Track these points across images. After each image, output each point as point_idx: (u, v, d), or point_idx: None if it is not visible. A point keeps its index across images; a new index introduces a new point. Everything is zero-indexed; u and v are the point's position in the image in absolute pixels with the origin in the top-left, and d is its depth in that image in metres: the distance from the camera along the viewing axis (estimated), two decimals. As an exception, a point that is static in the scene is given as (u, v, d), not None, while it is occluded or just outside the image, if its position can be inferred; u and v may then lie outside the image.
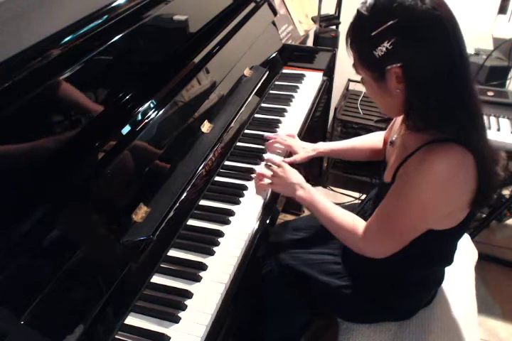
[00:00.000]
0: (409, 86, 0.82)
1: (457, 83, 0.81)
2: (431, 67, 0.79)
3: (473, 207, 0.89)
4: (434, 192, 0.83)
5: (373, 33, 0.78)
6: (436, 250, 1.01)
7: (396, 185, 0.90)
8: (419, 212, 0.86)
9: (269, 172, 1.16)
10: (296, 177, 1.12)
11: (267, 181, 1.14)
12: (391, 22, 0.76)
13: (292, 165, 1.29)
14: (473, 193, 0.85)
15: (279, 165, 1.16)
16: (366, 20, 0.81)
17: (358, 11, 0.82)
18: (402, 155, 0.91)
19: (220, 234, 1.04)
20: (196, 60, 1.23)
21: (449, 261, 1.06)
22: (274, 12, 1.70)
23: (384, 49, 0.78)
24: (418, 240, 0.93)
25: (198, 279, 0.94)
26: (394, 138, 1.03)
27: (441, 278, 1.14)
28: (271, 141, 1.31)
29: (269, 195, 1.17)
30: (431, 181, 0.82)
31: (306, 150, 1.29)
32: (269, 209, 1.15)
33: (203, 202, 1.13)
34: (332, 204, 1.06)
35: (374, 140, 1.22)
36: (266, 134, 1.34)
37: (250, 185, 1.18)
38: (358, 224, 0.99)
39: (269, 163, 1.21)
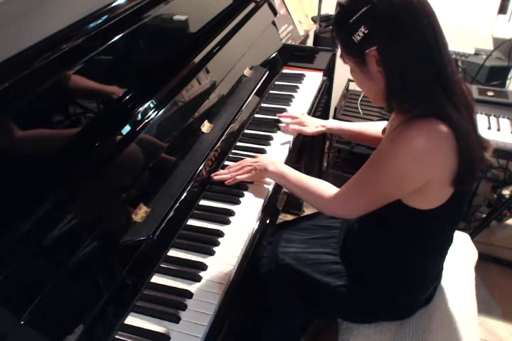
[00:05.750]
0: (387, 68, 0.86)
1: (433, 66, 0.85)
2: (404, 49, 0.84)
3: (455, 186, 0.90)
4: (409, 161, 0.86)
5: (350, 20, 0.84)
6: (427, 237, 1.01)
7: (373, 154, 0.94)
8: (392, 178, 0.90)
9: (236, 170, 1.18)
10: (265, 157, 1.20)
11: (241, 176, 1.16)
12: (365, 8, 0.82)
13: (293, 163, 1.30)
14: (453, 170, 0.88)
15: (242, 162, 1.20)
16: (345, 9, 0.87)
17: (338, 2, 0.89)
18: (387, 135, 0.95)
19: (220, 234, 1.04)
20: (196, 60, 1.23)
21: (443, 253, 1.07)
22: (274, 12, 1.70)
23: (361, 33, 0.84)
24: (408, 224, 0.98)
25: (198, 279, 0.94)
26: (385, 126, 1.08)
27: (438, 274, 1.14)
28: (284, 114, 1.40)
29: (269, 195, 1.17)
30: (407, 150, 0.85)
31: (315, 125, 1.36)
32: (269, 209, 1.15)
33: (203, 202, 1.13)
34: (303, 174, 1.12)
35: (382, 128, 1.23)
36: (279, 115, 1.43)
37: (250, 185, 1.18)
38: (330, 186, 1.06)
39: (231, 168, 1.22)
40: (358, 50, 0.87)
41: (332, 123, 1.37)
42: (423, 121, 0.85)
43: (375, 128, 1.28)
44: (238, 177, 1.15)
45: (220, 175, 1.18)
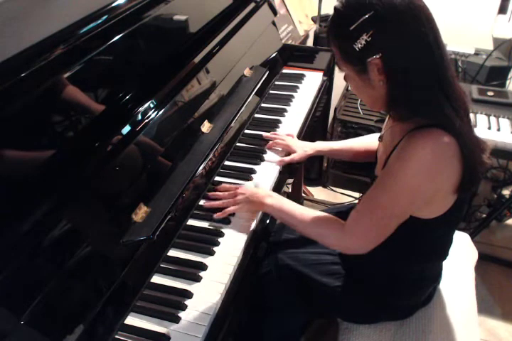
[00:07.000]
0: (390, 76, 0.84)
1: (436, 71, 0.84)
2: (409, 56, 0.82)
3: (459, 193, 0.90)
4: (419, 173, 0.84)
5: (351, 27, 0.81)
6: (429, 242, 1.01)
7: (381, 175, 0.92)
8: (404, 197, 0.87)
9: (229, 198, 1.09)
10: (261, 189, 1.11)
11: (231, 207, 1.07)
12: (368, 15, 0.79)
13: (291, 164, 1.30)
14: (458, 178, 0.87)
15: (235, 188, 1.11)
16: (344, 16, 0.84)
17: (335, 8, 0.86)
18: (389, 146, 0.93)
19: (220, 234, 1.04)
20: (196, 60, 1.23)
21: (444, 255, 1.07)
22: (274, 12, 1.70)
23: (363, 41, 0.81)
24: (409, 232, 0.95)
25: (198, 279, 0.94)
26: (382, 133, 1.05)
27: (437, 274, 1.14)
28: (270, 142, 1.32)
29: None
30: (415, 166, 0.84)
31: (304, 148, 1.30)
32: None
33: (202, 202, 1.13)
34: (305, 207, 1.05)
35: (371, 141, 1.22)
36: (265, 134, 1.34)
37: (250, 185, 1.18)
38: (337, 221, 0.98)
39: (222, 190, 1.13)
40: (358, 58, 0.84)
41: (320, 145, 1.32)
42: (427, 132, 0.84)
43: (363, 142, 1.27)
44: (229, 208, 1.06)
45: (213, 196, 1.11)
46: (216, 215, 1.07)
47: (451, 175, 0.87)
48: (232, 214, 1.09)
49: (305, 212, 1.02)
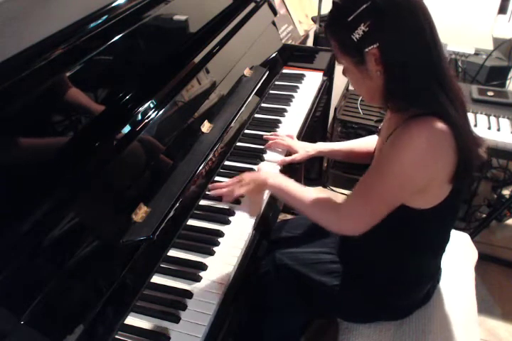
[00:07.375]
0: (387, 66, 0.85)
1: (431, 62, 0.85)
2: (405, 47, 0.83)
3: (454, 182, 0.90)
4: (414, 161, 0.85)
5: (349, 18, 0.82)
6: (424, 235, 1.01)
7: (376, 160, 0.93)
8: (399, 181, 0.88)
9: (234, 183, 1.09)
10: (264, 171, 1.14)
11: (239, 191, 1.07)
12: (365, 5, 0.81)
13: (292, 164, 1.30)
14: (453, 168, 0.87)
15: (239, 176, 1.10)
16: (342, 8, 0.86)
17: (333, 2, 0.87)
18: (385, 136, 0.94)
19: (220, 234, 1.04)
20: (196, 60, 1.23)
21: (440, 251, 1.08)
22: (274, 12, 1.70)
23: (361, 32, 0.82)
24: (405, 224, 0.96)
25: (198, 279, 0.94)
26: (380, 127, 1.06)
27: (435, 271, 1.14)
28: (270, 142, 1.32)
29: (269, 195, 1.17)
30: (410, 155, 0.84)
31: (306, 149, 1.31)
32: (270, 208, 1.15)
33: (202, 202, 1.13)
34: (304, 187, 1.06)
35: (372, 142, 1.22)
36: (265, 135, 1.35)
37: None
38: (335, 202, 1.01)
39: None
40: (356, 49, 0.85)
41: (321, 146, 1.32)
42: (422, 120, 0.85)
43: (364, 143, 1.27)
44: (236, 191, 1.06)
45: (217, 188, 1.11)
46: (225, 199, 1.08)
47: (446, 165, 0.87)
48: (232, 214, 1.09)
49: (306, 193, 1.02)
